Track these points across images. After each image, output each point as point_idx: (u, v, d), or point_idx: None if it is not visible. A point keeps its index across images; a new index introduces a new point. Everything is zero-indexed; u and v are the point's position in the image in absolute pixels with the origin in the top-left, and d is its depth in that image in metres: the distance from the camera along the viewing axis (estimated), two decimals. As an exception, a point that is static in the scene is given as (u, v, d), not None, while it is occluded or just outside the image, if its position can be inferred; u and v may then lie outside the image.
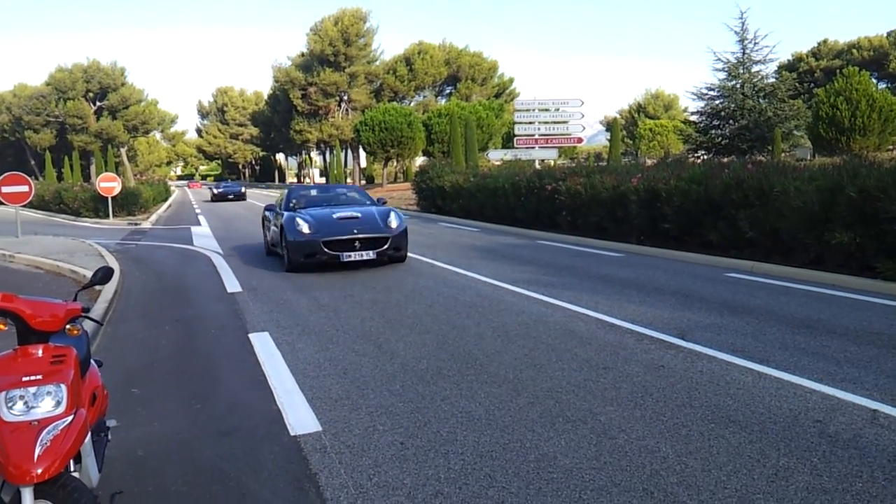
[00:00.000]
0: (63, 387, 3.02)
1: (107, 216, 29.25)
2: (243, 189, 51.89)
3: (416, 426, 4.69)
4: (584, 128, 27.58)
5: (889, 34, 68.31)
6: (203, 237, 20.06)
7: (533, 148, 27.28)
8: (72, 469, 3.09)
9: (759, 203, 11.37)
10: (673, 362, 5.95)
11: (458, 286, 10.11)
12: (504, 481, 3.83)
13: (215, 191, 50.50)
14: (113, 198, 28.99)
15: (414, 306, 8.72)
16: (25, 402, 2.94)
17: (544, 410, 4.88)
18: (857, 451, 4.05)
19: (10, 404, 2.92)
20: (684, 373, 5.65)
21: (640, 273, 10.95)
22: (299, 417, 4.93)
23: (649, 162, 24.32)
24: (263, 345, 7.04)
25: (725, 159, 22.10)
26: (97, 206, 30.73)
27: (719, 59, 39.24)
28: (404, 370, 5.98)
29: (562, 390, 5.30)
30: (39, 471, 2.76)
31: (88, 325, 6.30)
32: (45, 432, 2.87)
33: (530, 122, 27.17)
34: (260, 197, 52.30)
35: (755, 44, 38.75)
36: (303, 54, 73.26)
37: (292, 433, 4.66)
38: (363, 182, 70.14)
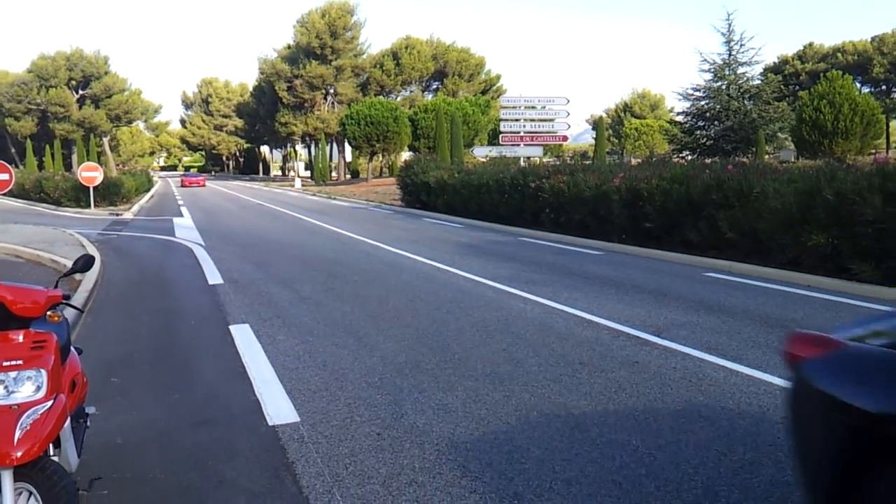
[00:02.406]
0: (43, 372, 3.06)
1: (88, 206, 29.04)
2: None
3: (393, 417, 4.76)
4: (570, 126, 27.72)
5: (873, 39, 68.91)
6: (185, 229, 20.00)
7: (518, 145, 27.35)
8: (51, 453, 3.13)
9: (739, 204, 11.52)
10: (647, 359, 6.06)
11: (439, 282, 10.19)
12: (477, 471, 3.91)
13: None
14: (94, 188, 28.77)
15: (395, 301, 8.78)
16: (6, 387, 2.98)
17: (519, 404, 4.97)
18: (821, 447, 4.17)
19: (-10, 389, 2.96)
20: (658, 369, 5.75)
21: (620, 271, 11.08)
22: (278, 408, 4.99)
23: (634, 161, 24.50)
24: (243, 337, 7.08)
25: (709, 160, 22.32)
26: (78, 195, 30.50)
27: (706, 60, 39.69)
28: (383, 363, 6.05)
29: (537, 384, 5.39)
30: (19, 454, 2.81)
31: (69, 314, 6.32)
32: (25, 416, 2.91)
33: (516, 120, 27.24)
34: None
35: (741, 45, 39.21)
36: (289, 46, 72.93)
37: (270, 423, 4.72)
38: (348, 176, 69.99)
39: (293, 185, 57.83)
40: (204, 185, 61.32)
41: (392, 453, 4.18)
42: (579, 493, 3.63)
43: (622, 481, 3.76)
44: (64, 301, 3.54)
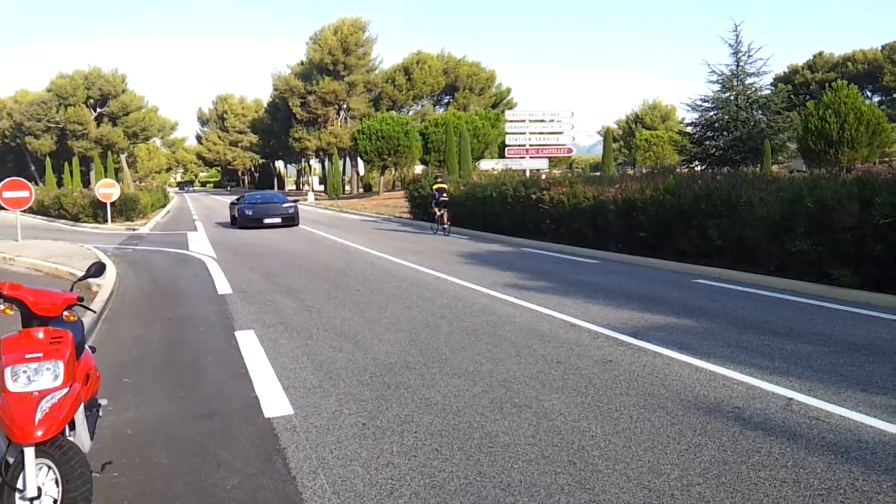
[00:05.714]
0: (60, 363, 3.54)
1: (105, 221, 29.75)
2: None
3: (379, 410, 5.20)
4: (574, 138, 28.17)
5: (883, 48, 68.98)
6: (199, 242, 20.56)
7: (524, 158, 27.82)
8: (67, 434, 3.61)
9: (728, 213, 11.90)
10: (621, 357, 6.48)
11: (436, 290, 10.63)
12: (448, 454, 4.35)
13: None
14: (111, 203, 29.50)
15: (393, 307, 9.24)
16: (28, 376, 3.46)
17: (495, 397, 5.41)
18: (764, 432, 4.57)
19: (14, 377, 3.44)
20: (629, 366, 6.17)
21: (612, 279, 11.48)
22: (274, 403, 5.45)
23: (645, 172, 24.92)
24: (248, 341, 7.55)
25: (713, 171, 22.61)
26: (96, 211, 31.23)
27: (714, 72, 39.97)
28: (375, 363, 6.50)
29: (514, 381, 5.82)
30: (40, 433, 3.29)
31: (87, 319, 6.81)
32: (44, 401, 3.39)
33: (521, 133, 27.72)
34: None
35: (749, 56, 39.49)
36: (302, 63, 73.87)
37: (267, 416, 5.18)
38: (361, 190, 70.68)
39: (306, 199, 58.44)
40: None
41: (374, 440, 4.63)
42: (536, 471, 4.06)
43: (577, 461, 4.19)
44: (78, 303, 4.03)
